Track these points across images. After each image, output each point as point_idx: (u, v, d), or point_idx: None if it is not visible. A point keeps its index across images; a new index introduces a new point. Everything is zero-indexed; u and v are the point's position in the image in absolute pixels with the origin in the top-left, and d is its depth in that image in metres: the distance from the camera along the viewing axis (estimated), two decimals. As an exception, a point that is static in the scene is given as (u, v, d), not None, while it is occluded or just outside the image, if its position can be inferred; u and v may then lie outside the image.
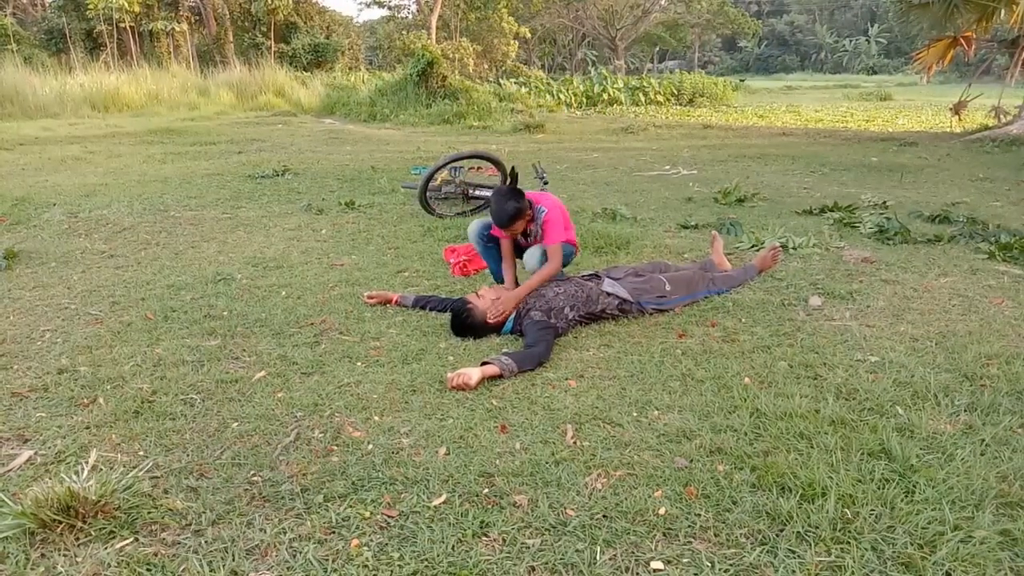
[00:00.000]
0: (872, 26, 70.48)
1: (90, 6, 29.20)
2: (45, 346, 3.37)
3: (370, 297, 3.96)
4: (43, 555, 1.90)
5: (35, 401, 2.81)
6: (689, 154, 11.19)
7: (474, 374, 2.90)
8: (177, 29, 32.45)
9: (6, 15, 31.00)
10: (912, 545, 1.89)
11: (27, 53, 27.14)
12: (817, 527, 1.96)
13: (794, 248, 4.89)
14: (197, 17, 35.40)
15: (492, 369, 2.97)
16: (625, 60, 43.56)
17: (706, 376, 2.97)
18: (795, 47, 79.37)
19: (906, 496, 2.10)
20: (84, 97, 19.86)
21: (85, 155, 10.56)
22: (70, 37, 31.72)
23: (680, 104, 24.77)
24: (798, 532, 1.95)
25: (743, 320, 3.62)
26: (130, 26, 31.61)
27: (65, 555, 1.90)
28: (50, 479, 2.14)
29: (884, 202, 6.67)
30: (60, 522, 1.97)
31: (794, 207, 6.59)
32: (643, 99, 24.55)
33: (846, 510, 2.03)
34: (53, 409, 2.74)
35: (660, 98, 24.78)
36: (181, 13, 33.28)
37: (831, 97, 31.06)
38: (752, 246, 4.99)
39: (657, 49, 56.78)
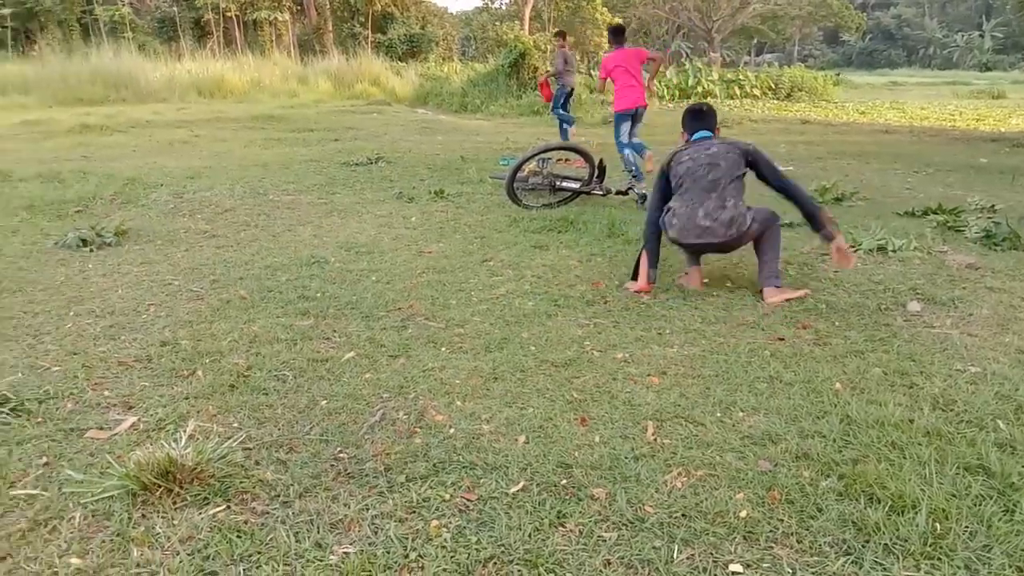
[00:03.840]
0: (987, 20, 66.68)
1: (200, -4, 30.46)
2: (150, 319, 3.56)
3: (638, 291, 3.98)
4: (143, 516, 2.02)
5: (139, 371, 2.97)
6: (785, 150, 10.88)
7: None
8: (280, 18, 33.53)
9: (124, 5, 32.64)
10: (1011, 567, 1.80)
11: (141, 41, 28.57)
12: (906, 540, 1.89)
13: (893, 251, 4.70)
14: (299, 7, 36.47)
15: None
16: (721, 53, 42.58)
17: (795, 379, 2.89)
18: (901, 41, 75.93)
19: (1005, 515, 2.00)
20: (191, 83, 20.79)
21: (191, 139, 11.05)
22: (180, 26, 33.19)
23: (777, 98, 24.07)
24: (885, 544, 1.89)
25: (836, 323, 3.51)
26: (236, 15, 32.83)
27: (163, 517, 2.01)
28: (151, 445, 2.25)
29: (992, 206, 6.32)
30: (159, 486, 2.08)
31: (895, 208, 6.32)
32: (738, 92, 23.97)
33: (938, 525, 1.95)
34: (156, 379, 2.89)
35: (756, 92, 24.14)
36: (284, 3, 34.34)
37: (938, 94, 29.61)
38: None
39: (755, 42, 55.32)
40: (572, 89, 11.44)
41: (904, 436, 2.41)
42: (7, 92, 17.96)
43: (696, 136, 4.29)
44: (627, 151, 7.27)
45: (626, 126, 7.34)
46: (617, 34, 8.00)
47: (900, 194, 7.16)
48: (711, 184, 3.98)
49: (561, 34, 11.68)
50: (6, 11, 31.41)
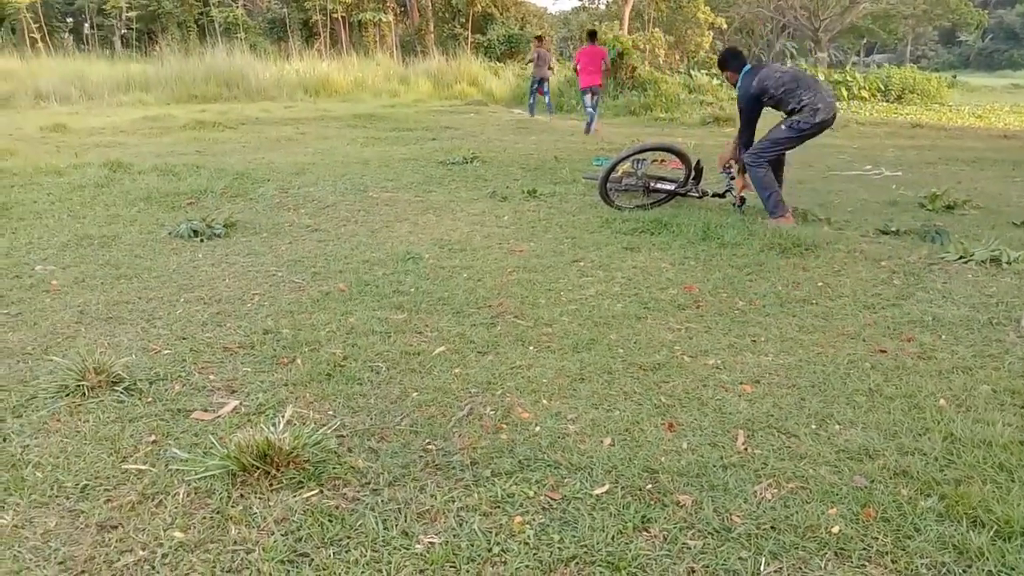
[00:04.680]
0: None
1: (308, -2, 31.55)
2: (254, 308, 3.72)
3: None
4: (242, 495, 2.11)
5: (243, 357, 3.11)
6: (894, 154, 10.43)
7: None
8: (384, 20, 34.35)
9: (237, 7, 34.16)
10: None
11: (253, 41, 29.83)
12: (1013, 569, 1.79)
13: (1008, 262, 4.44)
14: (402, 8, 37.27)
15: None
16: (828, 53, 41.11)
17: (896, 393, 2.78)
18: (1028, 41, 71.34)
19: None
20: (299, 82, 21.51)
21: (297, 136, 11.45)
22: (289, 27, 34.47)
23: (887, 101, 23.05)
24: (989, 571, 1.80)
25: (943, 337, 3.35)
26: (342, 16, 33.84)
27: (260, 498, 2.10)
28: (251, 428, 2.35)
29: (1125, 217, 5.89)
30: (257, 468, 2.17)
31: (1012, 217, 5.97)
32: (845, 94, 23.04)
33: (1050, 554, 1.84)
34: (257, 365, 3.02)
35: (864, 94, 23.18)
36: (388, 4, 35.18)
37: (1068, 97, 27.74)
38: (959, 258, 4.58)
39: (864, 42, 53.18)
40: (540, 79, 15.46)
41: (1014, 458, 2.28)
42: (131, 90, 19.03)
43: (746, 70, 5.57)
44: (588, 105, 12.90)
45: (588, 97, 12.76)
46: (591, 36, 13.20)
47: (1018, 203, 6.76)
48: (814, 80, 5.58)
49: (539, 38, 16.51)
50: (132, 14, 33.36)
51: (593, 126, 12.61)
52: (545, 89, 15.59)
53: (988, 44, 71.47)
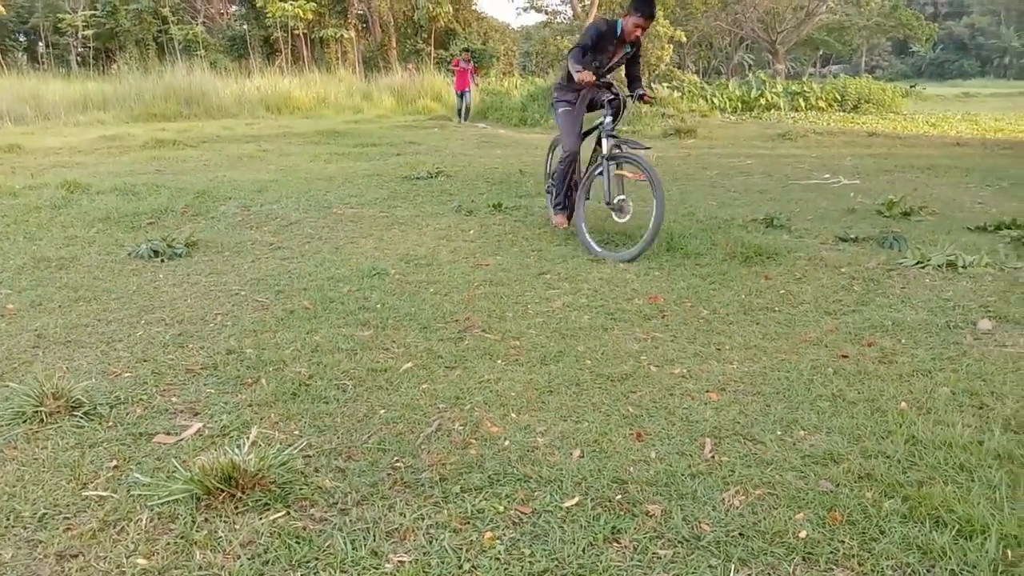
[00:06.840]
0: (1069, 27, 64.06)
1: (268, 15, 31.36)
2: (217, 328, 3.67)
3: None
4: (207, 519, 2.07)
5: (206, 378, 3.06)
6: (852, 163, 10.63)
7: None
8: (345, 36, 34.27)
9: (197, 24, 33.86)
10: (1087, 598, 1.72)
11: (213, 59, 29.54)
12: (974, 567, 1.83)
13: (964, 267, 4.55)
14: (364, 24, 37.24)
15: None
16: (785, 64, 41.87)
17: (859, 398, 2.82)
18: (975, 51, 73.46)
19: (1083, 544, 1.91)
20: (260, 99, 21.35)
21: (259, 153, 11.34)
22: (250, 44, 34.22)
23: (843, 110, 23.55)
24: (952, 570, 1.83)
25: (903, 341, 3.41)
26: (303, 33, 33.69)
27: (225, 521, 2.06)
28: (215, 450, 2.31)
29: (1074, 221, 6.06)
30: (222, 491, 2.13)
31: (966, 223, 6.12)
32: (803, 104, 23.53)
33: (1009, 552, 1.87)
34: (221, 386, 2.98)
35: (822, 104, 23.66)
36: (349, 21, 35.12)
37: (1015, 105, 28.55)
38: (917, 263, 4.68)
39: (820, 53, 54.29)
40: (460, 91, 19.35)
41: (973, 458, 2.33)
42: (88, 109, 18.74)
43: None
44: (461, 106, 18.65)
45: (456, 100, 18.98)
46: (468, 56, 19.54)
47: (971, 209, 6.93)
48: None
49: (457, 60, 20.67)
50: (89, 32, 32.89)
51: (466, 105, 19.17)
52: (466, 100, 19.46)
53: (939, 55, 73.43)
